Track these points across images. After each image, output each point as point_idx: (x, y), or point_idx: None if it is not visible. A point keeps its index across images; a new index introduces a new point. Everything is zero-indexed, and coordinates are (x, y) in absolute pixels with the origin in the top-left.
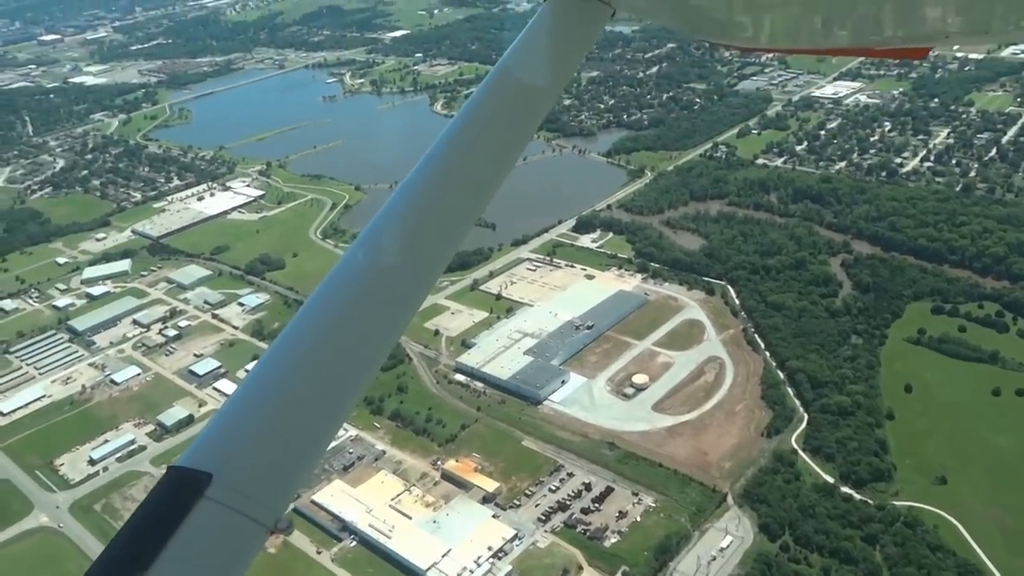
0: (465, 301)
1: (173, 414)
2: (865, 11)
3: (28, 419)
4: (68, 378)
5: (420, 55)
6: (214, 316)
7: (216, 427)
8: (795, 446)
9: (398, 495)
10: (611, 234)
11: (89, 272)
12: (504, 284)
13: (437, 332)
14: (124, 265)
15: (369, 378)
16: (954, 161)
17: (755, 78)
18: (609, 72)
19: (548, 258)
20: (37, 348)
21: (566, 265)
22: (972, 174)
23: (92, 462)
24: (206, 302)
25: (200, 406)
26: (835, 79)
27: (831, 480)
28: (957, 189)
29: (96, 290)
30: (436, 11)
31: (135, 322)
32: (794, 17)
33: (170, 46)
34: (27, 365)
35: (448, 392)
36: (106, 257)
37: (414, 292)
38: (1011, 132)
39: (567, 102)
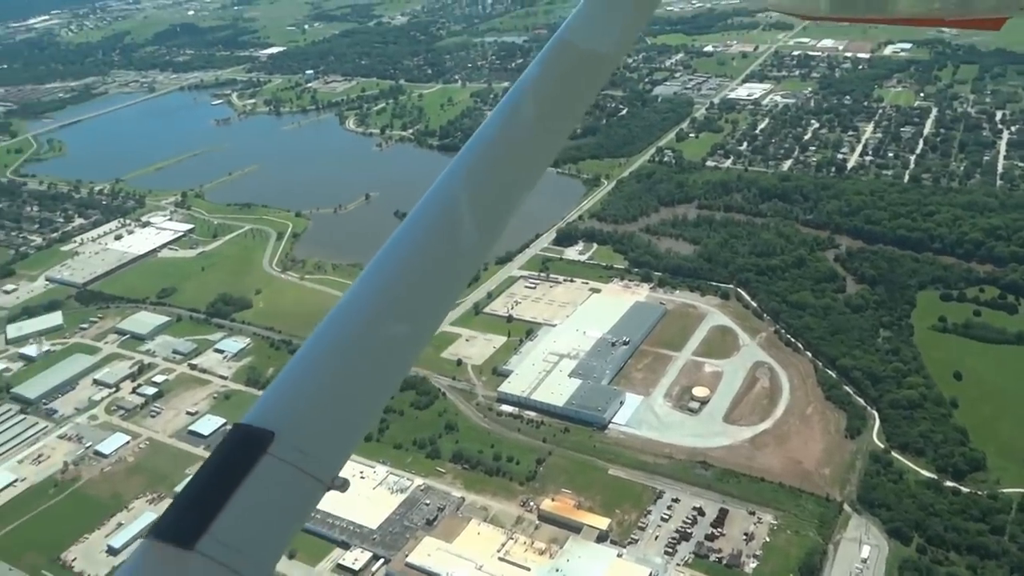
0: (474, 326)
1: None
2: None
3: (6, 511)
4: (39, 455)
5: (311, 72)
6: (191, 367)
7: (278, 388)
8: (882, 444)
9: (503, 545)
10: (595, 245)
11: (14, 330)
12: (509, 304)
13: (460, 362)
14: (56, 318)
15: (423, 343)
16: (891, 154)
17: (667, 83)
18: None
19: (542, 274)
20: None
21: (565, 280)
22: (913, 166)
23: (113, 551)
24: (176, 352)
25: None
26: (743, 81)
27: (932, 475)
28: (906, 181)
29: (29, 350)
30: (307, 26)
31: (97, 382)
32: None
33: (6, 71)
34: None
35: (501, 425)
36: (27, 311)
37: (466, 264)
38: (929, 124)
39: None
